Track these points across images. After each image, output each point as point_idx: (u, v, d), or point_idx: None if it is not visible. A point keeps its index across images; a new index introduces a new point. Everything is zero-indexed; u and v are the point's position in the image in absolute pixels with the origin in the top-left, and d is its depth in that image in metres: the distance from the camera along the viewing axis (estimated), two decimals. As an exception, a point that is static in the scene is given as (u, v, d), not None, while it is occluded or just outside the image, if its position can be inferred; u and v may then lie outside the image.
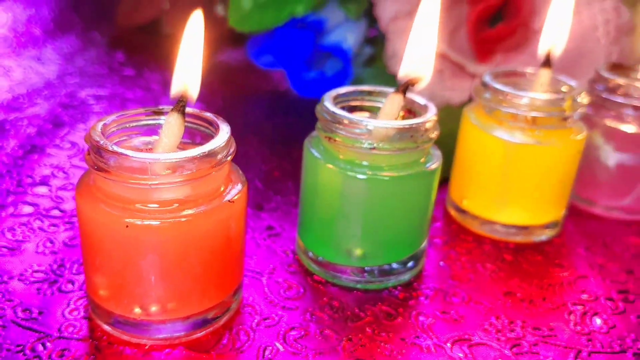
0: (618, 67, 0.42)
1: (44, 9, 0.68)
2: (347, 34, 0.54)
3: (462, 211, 0.38)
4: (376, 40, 0.61)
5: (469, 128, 0.37)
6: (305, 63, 0.54)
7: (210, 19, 0.68)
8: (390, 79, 0.57)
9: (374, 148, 0.29)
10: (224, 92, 0.55)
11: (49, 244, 0.33)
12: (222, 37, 0.66)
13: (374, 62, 0.60)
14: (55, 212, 0.36)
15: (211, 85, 0.57)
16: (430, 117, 0.30)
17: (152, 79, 0.57)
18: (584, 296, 0.32)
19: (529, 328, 0.30)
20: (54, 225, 0.35)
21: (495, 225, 0.37)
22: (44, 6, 0.68)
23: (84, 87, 0.54)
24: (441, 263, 0.35)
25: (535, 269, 0.35)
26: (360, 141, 0.29)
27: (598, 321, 0.31)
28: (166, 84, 0.57)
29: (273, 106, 0.54)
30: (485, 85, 0.36)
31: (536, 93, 0.36)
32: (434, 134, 0.31)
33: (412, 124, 0.30)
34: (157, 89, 0.55)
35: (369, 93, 0.34)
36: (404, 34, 0.56)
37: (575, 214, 0.41)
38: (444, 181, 0.40)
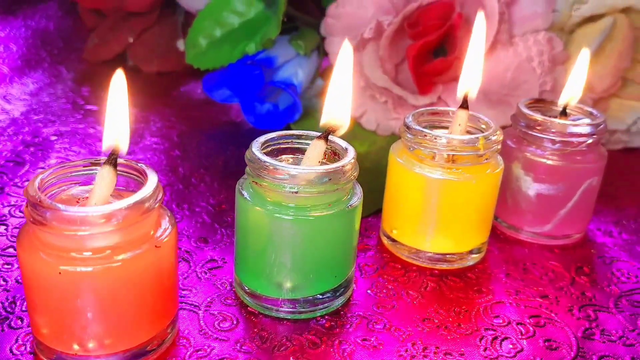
0: (540, 102, 0.45)
1: (12, 46, 0.70)
2: (297, 69, 0.57)
3: (392, 240, 0.41)
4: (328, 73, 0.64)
5: (394, 165, 0.40)
6: (258, 97, 0.57)
7: (173, 54, 0.71)
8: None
9: (296, 192, 0.32)
10: (181, 125, 0.58)
11: (2, 282, 0.36)
12: (184, 70, 0.69)
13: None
14: (10, 250, 0.39)
15: (169, 118, 0.59)
16: (348, 160, 0.33)
17: (113, 114, 0.60)
18: (497, 321, 0.35)
19: (441, 354, 0.33)
20: (8, 263, 0.37)
21: (421, 254, 0.40)
22: (11, 43, 0.71)
23: (47, 124, 0.56)
24: (369, 291, 0.37)
25: (456, 295, 0.37)
26: (283, 186, 0.32)
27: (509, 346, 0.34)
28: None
29: (228, 138, 0.57)
30: (407, 126, 0.39)
31: (452, 134, 0.39)
32: (353, 175, 0.34)
33: (332, 169, 0.32)
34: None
35: (298, 137, 0.36)
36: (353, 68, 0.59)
37: (502, 240, 0.44)
38: (379, 211, 0.43)
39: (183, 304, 0.35)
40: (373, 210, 0.45)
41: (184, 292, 0.36)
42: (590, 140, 0.41)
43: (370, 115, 0.59)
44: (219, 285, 0.37)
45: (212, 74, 0.57)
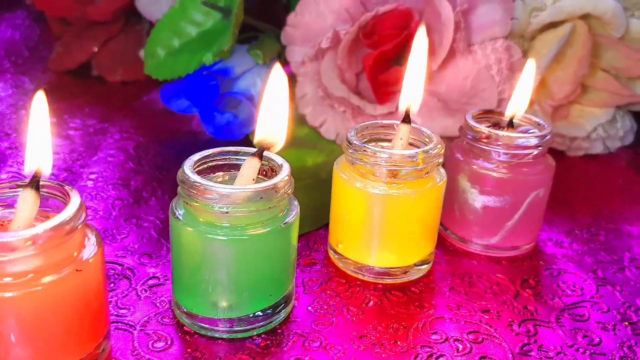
0: (489, 113, 0.45)
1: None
2: (256, 79, 0.57)
3: (338, 254, 0.41)
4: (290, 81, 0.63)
5: (338, 179, 0.39)
6: (218, 107, 0.56)
7: (138, 63, 0.71)
8: (302, 118, 0.60)
9: (226, 212, 0.32)
10: (139, 136, 0.58)
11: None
12: (148, 80, 0.69)
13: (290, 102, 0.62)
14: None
15: (128, 130, 0.59)
16: (281, 177, 0.33)
17: (71, 125, 0.59)
18: (435, 337, 0.35)
19: (374, 372, 0.33)
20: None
21: (366, 268, 0.40)
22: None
23: (2, 137, 0.56)
24: (309, 308, 0.37)
25: (397, 310, 0.37)
26: (212, 206, 0.32)
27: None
28: (86, 128, 0.59)
29: (186, 149, 0.56)
30: (348, 140, 0.38)
31: (395, 148, 0.39)
32: (288, 192, 0.33)
33: (263, 187, 0.32)
34: (75, 135, 0.57)
35: (236, 153, 0.36)
36: (311, 77, 0.59)
37: (451, 253, 0.43)
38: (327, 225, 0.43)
39: (119, 324, 0.35)
40: (326, 222, 0.45)
41: (121, 311, 0.36)
42: (536, 152, 0.41)
43: (329, 124, 0.58)
44: (157, 304, 0.37)
45: (170, 85, 0.57)
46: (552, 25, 0.59)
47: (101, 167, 0.52)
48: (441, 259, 0.43)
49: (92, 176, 0.50)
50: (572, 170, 0.58)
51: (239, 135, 0.57)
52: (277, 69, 0.34)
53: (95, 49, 0.71)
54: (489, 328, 0.36)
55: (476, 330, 0.36)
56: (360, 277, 0.40)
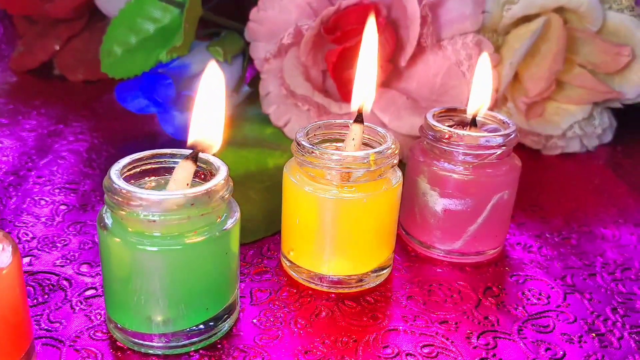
0: (452, 111, 0.43)
1: None
2: (216, 77, 0.54)
3: (291, 262, 0.39)
4: (255, 79, 0.61)
5: (288, 183, 0.37)
6: (175, 106, 0.54)
7: (99, 61, 0.68)
8: (267, 118, 0.58)
9: (154, 221, 0.29)
10: (94, 138, 0.55)
11: None
12: (111, 79, 0.66)
13: (257, 100, 0.60)
14: None
15: (83, 131, 0.56)
16: (216, 182, 0.31)
17: (25, 126, 0.57)
18: (386, 352, 0.33)
19: (317, 391, 0.30)
20: None
21: (319, 277, 0.37)
22: None
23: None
24: (255, 320, 0.35)
25: (348, 322, 0.35)
26: (138, 214, 0.29)
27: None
28: (40, 129, 0.56)
29: (141, 151, 0.54)
30: (297, 142, 0.36)
31: (347, 150, 0.36)
32: (224, 197, 0.31)
33: (193, 193, 0.30)
34: (27, 137, 0.55)
35: (172, 155, 0.34)
36: (275, 75, 0.56)
37: (412, 259, 0.41)
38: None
39: (47, 339, 0.32)
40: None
41: (53, 325, 0.33)
42: (499, 152, 0.39)
43: (294, 124, 0.56)
44: (92, 317, 0.34)
45: (125, 83, 0.54)
46: (527, 19, 0.57)
47: (49, 170, 0.49)
48: (401, 265, 0.40)
49: (39, 180, 0.48)
50: (548, 170, 0.56)
51: (200, 135, 0.55)
52: (212, 66, 0.31)
53: (57, 48, 0.68)
54: (445, 341, 0.34)
55: (431, 344, 0.34)
56: (313, 286, 0.38)
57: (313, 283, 0.38)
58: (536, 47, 0.56)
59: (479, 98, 0.41)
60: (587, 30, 0.56)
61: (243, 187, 0.47)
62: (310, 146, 0.36)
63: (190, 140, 0.32)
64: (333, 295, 0.37)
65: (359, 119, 0.37)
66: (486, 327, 0.35)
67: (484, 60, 0.41)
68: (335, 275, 0.37)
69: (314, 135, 0.39)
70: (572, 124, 0.57)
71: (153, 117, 0.59)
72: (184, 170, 0.32)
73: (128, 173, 0.32)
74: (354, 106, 0.37)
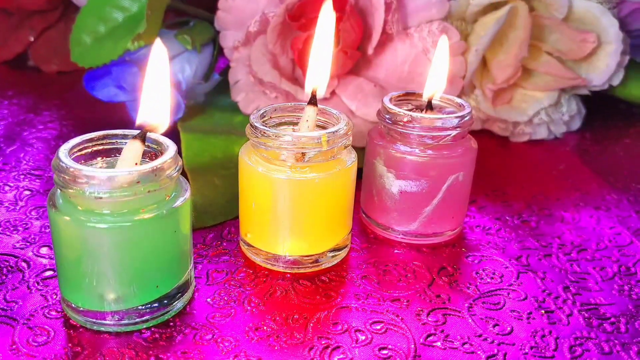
0: (410, 95, 0.43)
1: None
2: (184, 65, 0.55)
3: (248, 245, 0.39)
4: (227, 68, 0.61)
5: (243, 166, 0.37)
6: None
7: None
8: (237, 106, 0.58)
9: (100, 198, 0.30)
10: (63, 127, 0.56)
11: None
12: (84, 69, 0.66)
13: (228, 89, 0.60)
14: None
15: (52, 121, 0.57)
16: (163, 160, 0.31)
17: (-5, 116, 0.57)
18: (336, 329, 0.33)
19: (264, 365, 0.31)
20: None
21: (276, 258, 0.38)
22: None
23: None
24: (209, 300, 0.35)
25: (301, 300, 0.35)
26: (84, 192, 0.30)
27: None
28: (10, 118, 0.57)
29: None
30: (252, 125, 0.36)
31: (300, 131, 0.37)
32: (173, 175, 0.31)
33: (141, 170, 0.30)
34: (-3, 126, 0.55)
35: (124, 136, 0.34)
36: (243, 63, 0.57)
37: (370, 240, 0.42)
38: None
39: (2, 317, 0.33)
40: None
41: (10, 304, 0.34)
42: (454, 133, 0.39)
43: (263, 111, 0.56)
44: (48, 297, 0.35)
45: (94, 72, 0.55)
46: (495, 7, 0.57)
47: (16, 157, 0.49)
48: (359, 247, 0.41)
49: (5, 166, 0.48)
50: (514, 157, 0.56)
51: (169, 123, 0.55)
52: (157, 45, 0.32)
53: (32, 39, 0.69)
54: (395, 318, 0.34)
55: (381, 320, 0.34)
56: (269, 267, 0.38)
57: (270, 264, 0.38)
58: (504, 34, 0.57)
59: (435, 82, 0.41)
60: (554, 18, 0.56)
61: (208, 174, 0.48)
62: (264, 127, 0.36)
63: (138, 120, 0.32)
64: (289, 275, 0.38)
65: (313, 101, 0.37)
66: (437, 305, 0.35)
67: (442, 45, 0.41)
68: (291, 256, 0.38)
69: (270, 117, 0.39)
70: (538, 110, 0.57)
71: (124, 106, 0.59)
72: (131, 149, 0.32)
73: (79, 153, 0.33)
74: (308, 89, 0.38)
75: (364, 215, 0.44)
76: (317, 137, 0.35)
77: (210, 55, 0.60)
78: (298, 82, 0.56)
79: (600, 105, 0.66)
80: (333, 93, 0.56)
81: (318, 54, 0.37)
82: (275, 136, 0.35)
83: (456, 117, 0.39)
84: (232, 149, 0.52)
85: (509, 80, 0.56)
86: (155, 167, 0.31)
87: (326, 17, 0.36)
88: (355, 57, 0.55)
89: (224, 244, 0.41)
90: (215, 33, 0.60)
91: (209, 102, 0.61)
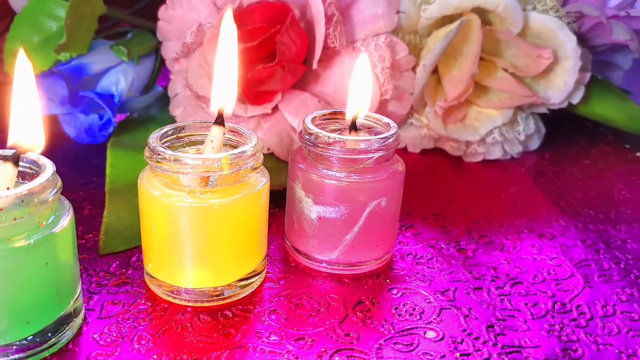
0: (338, 115, 0.40)
1: None
2: (119, 77, 0.52)
3: (150, 275, 0.36)
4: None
5: (142, 191, 0.35)
6: (77, 107, 0.52)
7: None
8: (175, 121, 0.55)
9: (-43, 225, 0.27)
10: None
11: None
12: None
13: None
14: None
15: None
16: (37, 183, 0.28)
17: None
18: (226, 371, 0.30)
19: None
20: None
21: (178, 290, 0.35)
22: None
23: None
24: (95, 336, 0.32)
25: (196, 339, 0.32)
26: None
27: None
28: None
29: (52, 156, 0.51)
30: (150, 147, 0.34)
31: (205, 153, 0.34)
32: (50, 197, 0.29)
33: (5, 195, 0.27)
34: None
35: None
36: (182, 75, 0.54)
37: (291, 270, 0.39)
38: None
39: None
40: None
41: None
42: (376, 156, 0.36)
43: (200, 127, 0.54)
44: None
45: (23, 84, 0.52)
46: (452, 20, 0.54)
47: None
48: (276, 276, 0.38)
49: None
50: (466, 177, 0.53)
51: (103, 138, 0.53)
52: (21, 59, 0.29)
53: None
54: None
55: (279, 363, 0.31)
56: (171, 299, 0.35)
57: (172, 297, 0.35)
58: (458, 49, 0.54)
59: (357, 101, 0.38)
60: (509, 32, 0.53)
61: (130, 194, 0.45)
62: (163, 149, 0.33)
63: (10, 141, 0.30)
64: (190, 309, 0.35)
65: (219, 120, 0.35)
66: (344, 345, 0.32)
67: (362, 61, 0.38)
68: (195, 288, 0.35)
69: (177, 137, 0.36)
70: (491, 129, 0.54)
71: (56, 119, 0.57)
72: (2, 173, 0.29)
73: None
74: (214, 107, 0.35)
75: (287, 243, 0.41)
76: (217, 159, 0.33)
77: (151, 67, 0.57)
78: (238, 97, 0.53)
79: (566, 124, 0.63)
80: (276, 108, 0.53)
81: (221, 69, 0.34)
82: (175, 159, 0.33)
83: (379, 138, 0.37)
84: (162, 166, 0.50)
85: (460, 97, 0.53)
86: (21, 193, 0.28)
87: (227, 30, 0.34)
88: (297, 72, 0.52)
89: (130, 272, 0.38)
90: (158, 44, 0.57)
91: (149, 116, 0.58)
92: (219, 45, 0.34)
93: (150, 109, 0.58)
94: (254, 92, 0.51)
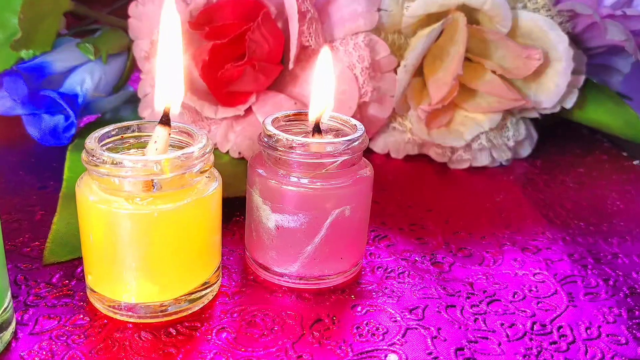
0: (304, 115, 0.37)
1: None
2: (85, 76, 0.49)
3: (90, 289, 0.33)
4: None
5: (80, 196, 0.32)
6: (40, 108, 0.49)
7: None
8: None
9: None
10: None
11: None
12: None
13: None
14: None
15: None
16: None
17: None
18: (160, 396, 0.27)
19: None
20: None
21: (119, 304, 0.32)
22: None
23: None
24: (23, 354, 0.29)
25: (134, 358, 0.29)
26: None
27: None
28: None
29: (12, 158, 0.49)
30: (86, 149, 0.31)
31: (147, 155, 0.31)
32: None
33: None
34: None
35: None
36: (152, 75, 0.52)
37: (248, 284, 0.36)
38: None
39: None
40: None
41: None
42: (340, 160, 0.33)
43: (170, 130, 0.51)
44: None
45: (-15, 83, 0.50)
46: (438, 18, 0.51)
47: None
48: (231, 290, 0.35)
49: None
50: (450, 185, 0.50)
51: (67, 140, 0.50)
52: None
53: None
54: (238, 384, 0.28)
55: (220, 388, 0.28)
56: (112, 314, 0.32)
57: (112, 311, 0.32)
58: (444, 50, 0.51)
59: (320, 101, 0.35)
60: (497, 32, 0.50)
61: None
62: (102, 152, 0.30)
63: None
64: (131, 325, 0.32)
65: (164, 120, 0.32)
66: (295, 369, 0.29)
67: (324, 58, 0.36)
68: (138, 302, 0.32)
69: (122, 137, 0.33)
70: (478, 134, 0.51)
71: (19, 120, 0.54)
72: None
73: None
74: (158, 106, 0.32)
75: (247, 254, 0.38)
76: (156, 162, 0.30)
77: (122, 65, 0.54)
78: (207, 97, 0.50)
79: (561, 130, 0.60)
80: (249, 110, 0.50)
81: (164, 63, 0.31)
82: (112, 162, 0.30)
83: (344, 141, 0.34)
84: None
85: (444, 100, 0.50)
86: None
87: (168, 19, 0.31)
88: (271, 72, 0.49)
89: (73, 283, 0.35)
90: (130, 42, 0.55)
91: (120, 117, 0.55)
92: (160, 35, 0.31)
93: (122, 110, 0.55)
94: (225, 92, 0.49)
